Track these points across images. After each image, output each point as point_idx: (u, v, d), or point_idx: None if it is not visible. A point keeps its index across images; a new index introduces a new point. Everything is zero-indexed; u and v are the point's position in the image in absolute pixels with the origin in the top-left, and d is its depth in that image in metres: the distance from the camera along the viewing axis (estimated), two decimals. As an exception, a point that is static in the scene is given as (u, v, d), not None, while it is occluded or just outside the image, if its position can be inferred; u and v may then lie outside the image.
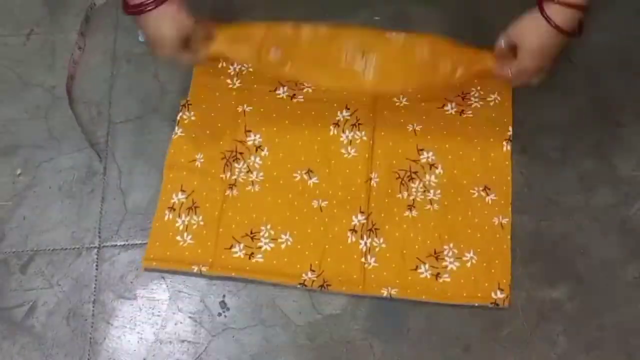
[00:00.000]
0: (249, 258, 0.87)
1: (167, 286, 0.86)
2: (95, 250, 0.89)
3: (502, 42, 0.82)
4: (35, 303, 0.86)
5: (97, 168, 0.94)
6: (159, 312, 0.85)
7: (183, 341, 0.84)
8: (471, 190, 0.91)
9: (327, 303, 0.86)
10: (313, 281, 0.85)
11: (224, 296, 0.86)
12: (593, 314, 0.86)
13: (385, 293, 0.85)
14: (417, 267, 0.87)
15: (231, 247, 0.88)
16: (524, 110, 0.97)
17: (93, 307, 0.86)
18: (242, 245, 0.88)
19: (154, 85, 0.99)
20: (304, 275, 0.85)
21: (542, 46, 0.79)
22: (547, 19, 0.77)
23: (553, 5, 0.76)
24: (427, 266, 0.87)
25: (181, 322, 0.85)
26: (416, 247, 0.88)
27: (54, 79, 0.99)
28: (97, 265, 0.88)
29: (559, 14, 0.77)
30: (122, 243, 0.89)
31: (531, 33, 0.79)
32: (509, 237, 0.89)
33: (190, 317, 0.85)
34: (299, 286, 0.85)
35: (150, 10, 0.76)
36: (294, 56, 0.84)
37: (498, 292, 0.85)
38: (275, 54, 0.83)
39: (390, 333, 0.84)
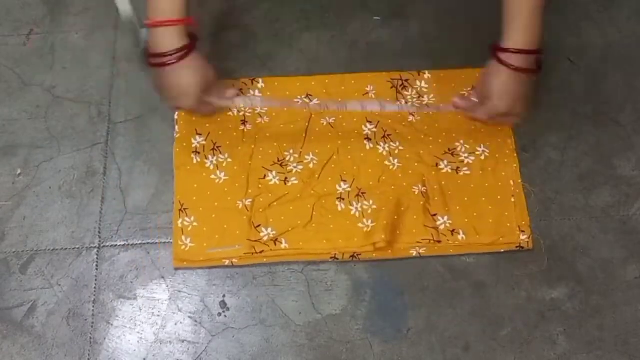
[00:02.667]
0: (285, 183, 0.91)
1: (167, 286, 0.86)
2: (95, 250, 0.89)
3: (473, 96, 0.90)
4: (35, 303, 0.85)
5: (97, 168, 0.94)
6: (159, 312, 0.85)
7: (183, 341, 0.84)
8: (462, 92, 0.97)
9: (327, 303, 0.86)
10: (343, 254, 0.87)
11: (224, 296, 0.86)
12: (593, 314, 0.86)
13: (414, 253, 0.87)
14: (437, 164, 0.92)
15: (265, 176, 0.91)
16: (524, 110, 0.97)
17: (93, 307, 0.86)
18: (274, 173, 0.92)
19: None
20: (334, 250, 0.87)
21: (507, 87, 0.85)
22: (507, 65, 0.83)
23: (509, 54, 0.83)
24: (445, 162, 0.93)
25: (181, 322, 0.85)
26: (430, 147, 0.94)
27: (54, 79, 0.99)
28: (97, 265, 0.88)
29: (517, 59, 0.83)
30: (122, 243, 0.89)
31: (495, 78, 0.85)
32: (511, 134, 0.95)
33: (190, 317, 0.85)
34: (330, 260, 0.87)
35: (172, 64, 0.82)
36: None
37: (520, 235, 0.88)
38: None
39: (390, 333, 0.84)
